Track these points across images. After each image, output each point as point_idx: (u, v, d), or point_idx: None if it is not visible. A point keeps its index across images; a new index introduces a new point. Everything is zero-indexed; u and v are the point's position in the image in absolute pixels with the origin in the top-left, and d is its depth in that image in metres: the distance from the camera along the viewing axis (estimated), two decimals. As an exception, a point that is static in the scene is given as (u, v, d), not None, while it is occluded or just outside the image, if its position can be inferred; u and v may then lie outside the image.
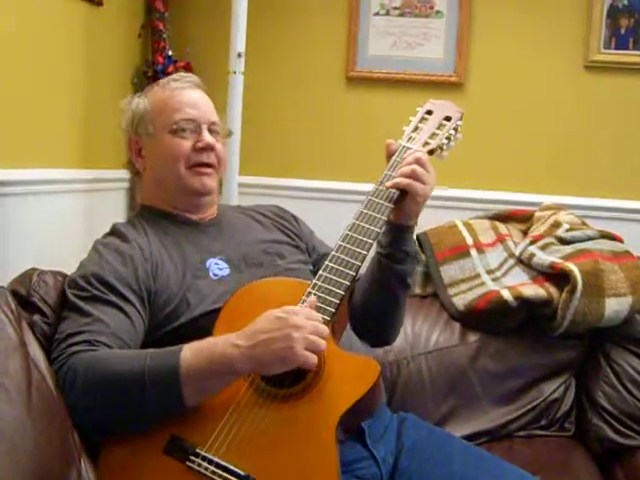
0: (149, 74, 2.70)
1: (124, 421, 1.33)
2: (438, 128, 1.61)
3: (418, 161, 1.52)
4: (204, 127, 1.65)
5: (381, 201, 1.52)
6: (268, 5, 2.79)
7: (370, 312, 1.64)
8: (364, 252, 1.47)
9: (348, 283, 1.43)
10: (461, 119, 1.64)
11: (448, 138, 1.61)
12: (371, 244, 1.48)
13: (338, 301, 1.41)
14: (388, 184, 1.52)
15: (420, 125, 1.63)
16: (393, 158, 1.58)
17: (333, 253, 1.47)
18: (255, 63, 2.62)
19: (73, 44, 2.28)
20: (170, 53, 2.72)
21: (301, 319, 1.30)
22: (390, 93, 2.80)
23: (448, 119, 1.63)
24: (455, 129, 1.62)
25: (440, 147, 1.60)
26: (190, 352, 1.31)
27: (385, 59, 2.79)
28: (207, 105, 1.69)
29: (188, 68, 2.70)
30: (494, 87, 2.77)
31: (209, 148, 1.65)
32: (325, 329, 1.33)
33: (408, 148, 1.58)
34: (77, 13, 2.29)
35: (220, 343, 1.32)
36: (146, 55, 2.75)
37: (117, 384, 1.32)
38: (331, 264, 1.46)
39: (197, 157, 1.64)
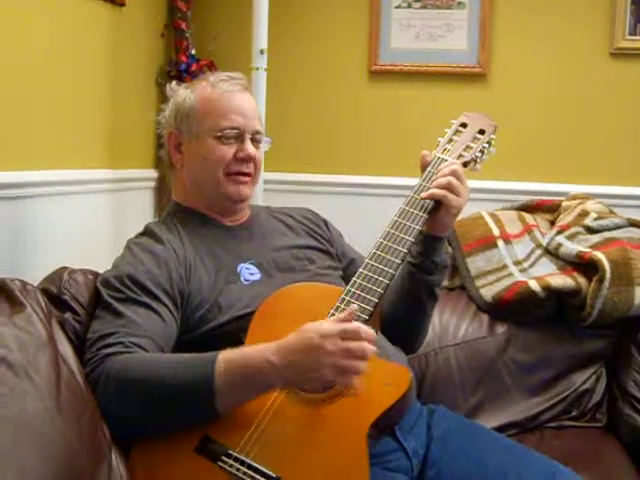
0: (173, 73, 2.71)
1: (155, 425, 1.34)
2: (472, 141, 1.63)
3: (454, 173, 1.53)
4: (247, 137, 1.65)
5: (415, 211, 1.53)
6: (289, 1, 2.79)
7: (396, 320, 1.65)
8: (398, 261, 1.48)
9: (382, 291, 1.44)
10: (494, 133, 1.65)
11: (482, 151, 1.63)
12: (405, 253, 1.49)
13: (372, 309, 1.42)
14: (423, 195, 1.53)
15: (455, 137, 1.65)
16: (428, 169, 1.59)
17: (367, 261, 1.48)
18: (278, 59, 2.63)
19: (97, 45, 2.30)
20: (193, 52, 2.74)
21: (334, 343, 1.27)
22: (413, 86, 2.79)
23: (482, 132, 1.65)
24: (489, 142, 1.64)
25: (474, 160, 1.62)
26: (225, 364, 1.31)
27: (408, 52, 2.78)
28: (253, 112, 1.68)
29: (211, 66, 2.72)
30: (518, 77, 2.75)
31: (249, 159, 1.65)
32: (359, 349, 1.29)
33: (443, 160, 1.59)
34: (100, 14, 2.31)
35: (256, 357, 1.31)
36: (169, 54, 2.77)
37: (151, 390, 1.32)
38: (365, 271, 1.46)
39: (237, 166, 1.64)
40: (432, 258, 1.60)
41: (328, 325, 1.30)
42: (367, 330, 1.30)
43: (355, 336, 1.28)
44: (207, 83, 1.68)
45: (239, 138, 1.64)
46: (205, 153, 1.64)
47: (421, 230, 1.54)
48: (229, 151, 1.63)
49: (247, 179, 1.66)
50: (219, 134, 1.63)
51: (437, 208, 1.54)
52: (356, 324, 1.30)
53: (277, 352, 1.30)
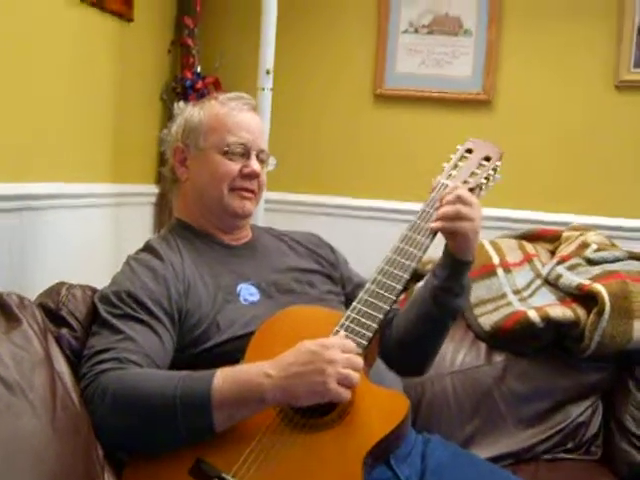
0: (178, 90, 2.72)
1: (151, 442, 1.33)
2: (478, 167, 1.62)
3: (460, 199, 1.51)
4: (253, 154, 1.66)
5: (419, 237, 1.52)
6: (297, 22, 2.80)
7: (413, 342, 1.64)
8: (399, 287, 1.47)
9: (382, 317, 1.43)
10: (500, 160, 1.64)
11: (487, 178, 1.62)
12: (407, 279, 1.48)
13: (371, 334, 1.41)
14: (433, 226, 1.52)
15: (460, 163, 1.63)
16: (432, 195, 1.58)
17: (368, 286, 1.47)
18: (284, 80, 2.63)
19: (104, 60, 2.31)
20: (199, 69, 2.74)
21: (335, 353, 1.30)
22: (418, 111, 2.80)
23: (488, 159, 1.63)
24: (494, 169, 1.63)
25: (479, 186, 1.60)
26: (222, 379, 1.31)
27: (413, 77, 2.79)
28: (260, 131, 1.71)
29: (217, 84, 2.73)
30: (522, 105, 2.76)
31: (254, 175, 1.66)
32: (360, 361, 1.32)
33: (447, 186, 1.58)
34: (108, 29, 2.32)
35: (252, 372, 1.31)
36: (175, 71, 2.77)
37: (147, 406, 1.31)
38: (366, 296, 1.46)
39: (241, 182, 1.65)
40: (459, 281, 1.59)
41: (327, 339, 1.34)
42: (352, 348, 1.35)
43: (352, 350, 1.33)
44: (216, 101, 1.71)
45: (245, 154, 1.65)
46: (211, 168, 1.65)
47: (447, 253, 1.56)
48: (234, 166, 1.64)
49: (251, 195, 1.67)
50: (225, 149, 1.64)
51: (454, 236, 1.53)
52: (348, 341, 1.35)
53: (275, 365, 1.30)
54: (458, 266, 1.58)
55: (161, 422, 1.31)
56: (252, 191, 1.67)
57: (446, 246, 1.57)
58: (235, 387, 1.30)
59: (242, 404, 1.31)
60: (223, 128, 1.66)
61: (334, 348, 1.31)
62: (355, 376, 1.30)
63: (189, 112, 1.72)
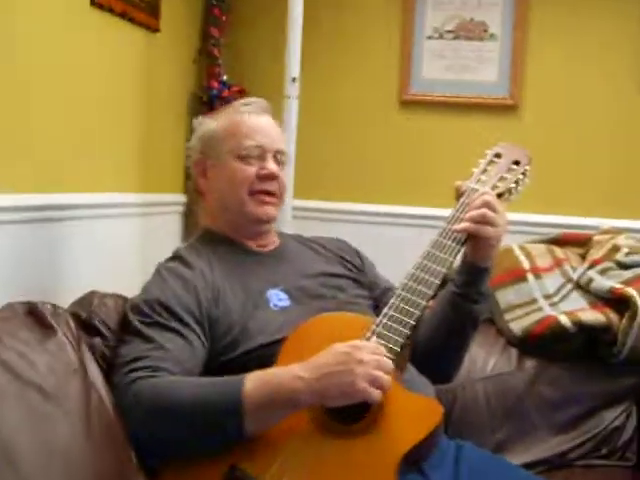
0: (204, 99, 2.73)
1: (185, 448, 1.34)
2: (507, 172, 1.62)
3: (487, 204, 1.52)
4: (269, 155, 1.67)
5: (449, 242, 1.52)
6: (322, 29, 2.81)
7: (436, 349, 1.64)
8: (430, 292, 1.47)
9: (414, 323, 1.43)
10: (530, 164, 1.63)
11: (516, 182, 1.61)
12: (437, 284, 1.48)
13: (403, 340, 1.40)
14: (458, 228, 1.52)
15: (489, 168, 1.63)
16: (461, 200, 1.57)
17: (399, 292, 1.47)
18: (310, 87, 2.64)
19: (132, 70, 2.33)
20: (225, 78, 2.76)
21: (365, 354, 1.30)
22: (445, 116, 2.80)
23: (517, 163, 1.63)
24: (524, 173, 1.62)
25: (509, 191, 1.60)
26: (252, 383, 1.31)
27: (439, 82, 2.79)
28: (276, 132, 1.71)
29: (243, 93, 2.73)
30: (549, 110, 2.75)
31: (272, 177, 1.66)
32: (389, 364, 1.32)
33: (477, 190, 1.57)
34: (135, 40, 2.34)
35: (284, 375, 1.32)
36: (201, 80, 2.79)
37: (180, 414, 1.32)
38: (397, 302, 1.45)
39: (260, 184, 1.66)
40: (478, 288, 1.59)
41: (358, 341, 1.35)
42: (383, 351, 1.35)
43: (382, 352, 1.33)
44: (229, 110, 1.74)
45: (261, 157, 1.66)
46: (229, 174, 1.66)
47: (465, 260, 1.55)
48: (251, 170, 1.65)
49: (272, 199, 1.67)
50: (241, 153, 1.65)
51: (476, 240, 1.53)
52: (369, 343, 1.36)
53: (306, 367, 1.31)
54: (476, 272, 1.58)
55: (194, 428, 1.32)
56: (273, 194, 1.67)
57: (465, 252, 1.57)
58: (266, 391, 1.30)
59: (274, 407, 1.31)
60: (237, 134, 1.67)
61: (365, 350, 1.31)
62: (385, 378, 1.30)
63: (206, 124, 1.74)
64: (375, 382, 1.29)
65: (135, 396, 1.35)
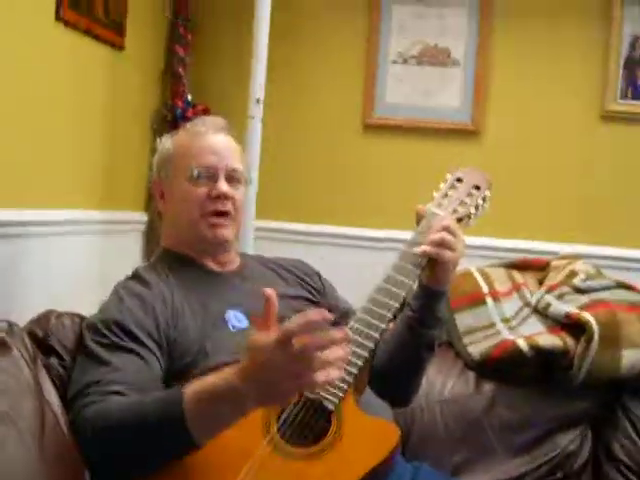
0: (168, 118, 2.73)
1: (137, 467, 1.32)
2: (467, 197, 1.63)
3: (447, 229, 1.53)
4: (221, 175, 1.65)
5: (409, 265, 1.53)
6: (288, 51, 2.82)
7: (394, 373, 1.64)
8: (389, 315, 1.47)
9: (372, 345, 1.43)
10: (490, 189, 1.65)
11: (476, 207, 1.63)
12: (397, 308, 1.49)
13: (361, 363, 1.40)
14: (417, 251, 1.53)
15: (450, 192, 1.64)
16: (422, 223, 1.59)
17: (359, 315, 1.48)
18: (274, 109, 2.65)
19: (95, 87, 2.32)
20: (189, 97, 2.76)
21: (278, 354, 1.16)
22: (407, 140, 2.82)
23: (477, 188, 1.65)
24: (484, 199, 1.64)
25: (468, 216, 1.62)
26: (191, 388, 1.27)
27: (402, 107, 2.82)
28: (228, 151, 1.69)
29: (207, 112, 2.73)
30: (511, 136, 2.79)
31: (224, 197, 1.64)
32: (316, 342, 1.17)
33: (437, 214, 1.59)
34: (100, 57, 2.33)
35: (218, 378, 1.25)
36: (166, 99, 2.79)
37: (127, 435, 1.30)
38: (357, 325, 1.46)
39: (212, 205, 1.64)
40: (433, 312, 1.60)
41: (266, 337, 1.19)
42: (306, 321, 1.16)
43: (292, 335, 1.15)
44: (183, 130, 1.73)
45: (212, 177, 1.64)
46: (181, 196, 1.65)
47: (421, 284, 1.56)
48: (201, 191, 1.63)
49: (225, 221, 1.65)
50: (191, 174, 1.64)
51: (434, 264, 1.54)
52: (288, 324, 1.17)
53: (237, 374, 1.22)
54: (432, 296, 1.59)
55: (142, 447, 1.29)
56: (226, 213, 1.65)
57: (421, 277, 1.57)
58: (205, 392, 1.25)
59: (216, 407, 1.25)
60: (188, 155, 1.65)
61: (275, 348, 1.16)
62: (307, 367, 1.15)
63: (162, 145, 1.73)
64: (300, 376, 1.16)
65: (85, 421, 1.34)
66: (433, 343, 1.64)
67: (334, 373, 1.18)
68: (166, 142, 1.73)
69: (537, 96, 2.77)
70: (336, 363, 1.18)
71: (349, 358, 1.39)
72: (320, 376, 1.16)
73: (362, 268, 1.83)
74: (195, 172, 1.64)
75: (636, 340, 2.05)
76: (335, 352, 1.17)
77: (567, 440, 2.08)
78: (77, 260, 2.23)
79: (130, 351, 1.45)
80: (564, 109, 2.76)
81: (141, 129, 2.69)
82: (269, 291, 1.24)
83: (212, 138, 1.68)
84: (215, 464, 1.31)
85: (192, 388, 1.28)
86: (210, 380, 1.27)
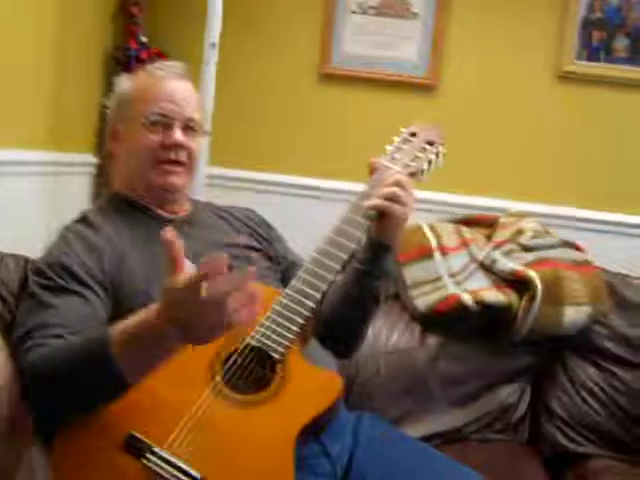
0: (121, 59, 2.66)
1: (75, 409, 1.32)
2: (421, 151, 1.63)
3: (398, 183, 1.53)
4: (177, 124, 1.62)
5: (358, 218, 1.53)
6: (245, -4, 2.77)
7: (339, 324, 1.65)
8: (337, 267, 1.47)
9: (319, 296, 1.44)
10: (444, 145, 1.65)
11: (429, 162, 1.62)
12: (345, 259, 1.49)
13: (308, 313, 1.41)
14: (367, 204, 1.52)
15: (403, 146, 1.63)
16: (373, 177, 1.58)
17: (307, 265, 1.48)
18: (229, 53, 2.61)
19: (42, 23, 2.25)
20: (143, 39, 2.69)
21: (189, 298, 1.17)
22: (363, 92, 2.80)
23: (431, 143, 1.64)
24: (437, 154, 1.64)
25: (421, 171, 1.61)
26: (116, 327, 1.27)
27: (360, 58, 2.79)
28: (187, 99, 1.65)
29: (161, 56, 2.68)
30: (467, 91, 2.79)
31: (178, 146, 1.62)
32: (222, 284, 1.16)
33: (389, 168, 1.58)
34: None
35: (143, 319, 1.24)
36: (118, 40, 2.72)
37: (59, 376, 1.29)
38: (304, 275, 1.46)
39: (164, 154, 1.61)
40: (381, 265, 1.60)
41: (175, 280, 1.19)
42: (221, 260, 1.17)
43: (205, 277, 1.15)
44: (142, 72, 1.68)
45: (168, 125, 1.62)
46: (134, 141, 1.63)
47: (370, 237, 1.56)
48: (155, 139, 1.61)
49: (178, 168, 1.63)
50: (145, 121, 1.61)
51: (383, 217, 1.54)
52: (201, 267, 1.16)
53: (157, 310, 1.21)
54: (380, 250, 1.59)
55: (77, 389, 1.29)
56: (179, 163, 1.63)
57: (370, 229, 1.57)
58: (130, 335, 1.24)
59: (145, 352, 1.25)
60: (145, 100, 1.62)
61: (185, 290, 1.17)
62: (216, 312, 1.15)
63: (121, 85, 1.69)
64: (213, 324, 1.17)
65: (27, 365, 1.33)
66: (379, 295, 1.65)
67: (245, 314, 1.16)
68: (124, 83, 1.69)
69: (495, 53, 2.77)
70: (246, 304, 1.17)
71: (296, 308, 1.40)
72: (233, 316, 1.16)
73: (314, 219, 1.81)
74: (150, 118, 1.61)
75: (578, 298, 2.10)
76: (242, 295, 1.16)
77: (506, 393, 2.14)
78: (23, 202, 2.19)
79: (74, 293, 1.44)
80: (521, 68, 2.76)
81: (92, 69, 2.62)
82: (168, 234, 1.23)
83: (171, 84, 1.64)
84: (159, 409, 1.31)
85: (117, 328, 1.28)
86: (132, 320, 1.26)
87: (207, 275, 1.16)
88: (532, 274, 2.08)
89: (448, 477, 1.54)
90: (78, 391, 1.30)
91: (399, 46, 2.79)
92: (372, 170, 1.60)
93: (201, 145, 1.72)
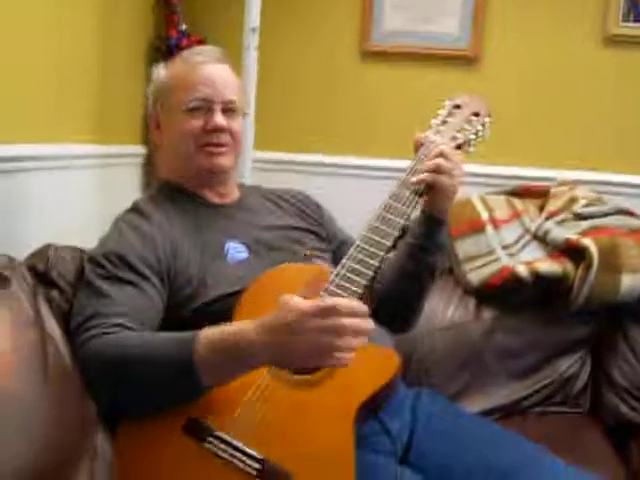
0: (162, 49, 2.68)
1: (142, 405, 1.33)
2: (466, 123, 1.62)
3: (442, 155, 1.52)
4: (217, 107, 1.63)
5: (407, 193, 1.52)
6: (283, -22, 2.76)
7: (395, 300, 1.65)
8: (388, 244, 1.46)
9: (372, 273, 1.43)
10: (489, 115, 1.64)
11: (475, 134, 1.61)
12: (396, 236, 1.48)
13: (361, 291, 1.40)
14: (414, 180, 1.52)
15: (448, 119, 1.63)
16: (420, 151, 1.57)
17: (358, 243, 1.47)
18: (270, 38, 2.61)
19: (85, 17, 2.27)
20: (184, 27, 2.70)
21: (311, 322, 1.20)
22: (405, 67, 2.78)
23: (476, 115, 1.63)
24: (483, 125, 1.63)
25: (467, 142, 1.60)
26: (205, 340, 1.27)
27: (400, 33, 2.76)
28: (225, 82, 1.66)
29: (202, 43, 2.69)
30: (510, 61, 2.74)
31: (219, 130, 1.63)
32: (369, 325, 1.23)
33: (434, 141, 1.57)
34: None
35: (236, 334, 1.26)
36: (160, 29, 2.73)
37: (134, 369, 1.31)
38: (355, 254, 1.45)
39: (207, 138, 1.63)
40: (435, 239, 1.59)
41: (306, 304, 1.21)
42: (352, 306, 1.21)
43: (335, 313, 1.19)
44: (179, 59, 1.69)
45: (208, 109, 1.63)
46: (176, 128, 1.64)
47: (423, 211, 1.56)
48: (197, 123, 1.62)
49: (222, 149, 1.64)
50: (186, 106, 1.62)
51: (432, 191, 1.53)
52: (336, 300, 1.22)
53: (256, 330, 1.24)
54: (433, 224, 1.58)
55: (149, 386, 1.31)
56: (222, 145, 1.64)
57: (422, 204, 1.57)
58: (218, 351, 1.26)
59: (227, 366, 1.28)
60: (183, 86, 1.63)
61: (310, 316, 1.19)
62: (333, 343, 1.19)
63: (157, 74, 1.70)
64: (324, 350, 1.20)
65: (90, 353, 1.34)
66: (434, 270, 1.64)
67: (347, 356, 1.20)
68: (161, 72, 1.70)
69: (538, 21, 2.71)
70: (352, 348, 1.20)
71: (348, 286, 1.40)
72: (338, 356, 1.19)
73: (361, 198, 1.81)
74: (190, 104, 1.62)
75: (635, 265, 2.06)
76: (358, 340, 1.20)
77: (566, 365, 2.12)
78: (75, 195, 2.22)
79: (130, 283, 1.45)
80: (565, 34, 2.70)
81: (135, 61, 2.64)
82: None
83: (208, 68, 1.65)
84: (218, 393, 1.32)
85: (207, 332, 1.29)
86: (226, 328, 1.29)
87: (345, 313, 1.19)
88: (587, 242, 2.05)
89: (510, 451, 1.52)
90: (147, 385, 1.31)
91: (439, 19, 2.76)
92: (417, 145, 1.59)
93: (243, 126, 1.73)
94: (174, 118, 1.65)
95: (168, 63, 1.73)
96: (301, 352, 1.21)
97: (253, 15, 2.44)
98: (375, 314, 1.58)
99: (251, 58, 2.44)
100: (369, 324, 1.22)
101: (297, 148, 2.82)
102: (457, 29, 2.74)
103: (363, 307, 1.22)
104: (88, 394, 1.35)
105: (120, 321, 1.39)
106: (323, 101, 2.83)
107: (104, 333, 1.36)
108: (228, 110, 1.65)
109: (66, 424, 1.25)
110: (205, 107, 1.63)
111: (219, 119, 1.63)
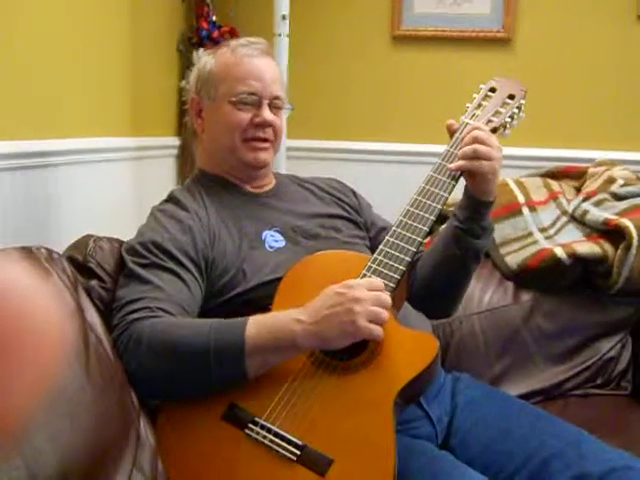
0: (194, 40, 2.69)
1: (184, 389, 1.36)
2: (502, 106, 1.60)
3: (477, 139, 1.50)
4: (265, 102, 1.63)
5: (443, 178, 1.51)
6: (312, -35, 2.75)
7: (438, 285, 1.64)
8: (425, 229, 1.47)
9: (409, 259, 1.43)
10: (525, 97, 1.62)
11: (512, 116, 1.60)
12: (432, 221, 1.48)
13: (399, 277, 1.41)
14: (452, 166, 1.51)
15: (483, 103, 1.62)
16: (455, 135, 1.56)
17: (394, 228, 1.47)
18: (300, 25, 2.60)
19: (118, 11, 2.29)
20: (214, 18, 2.71)
21: (362, 291, 1.31)
22: (437, 51, 2.76)
23: (512, 97, 1.62)
24: (519, 107, 1.61)
25: (504, 125, 1.59)
26: (254, 327, 1.32)
27: (431, 16, 2.74)
28: (274, 78, 1.66)
29: (233, 33, 2.69)
30: (543, 42, 2.71)
31: (266, 124, 1.63)
32: (387, 298, 1.33)
33: (470, 125, 1.56)
34: (121, -20, 2.29)
35: (283, 319, 1.33)
36: (190, 21, 2.74)
37: (180, 354, 1.33)
38: (392, 239, 1.45)
39: (254, 132, 1.63)
40: (480, 222, 1.57)
41: (352, 280, 1.35)
42: (366, 281, 1.36)
43: (350, 287, 1.32)
44: (227, 48, 1.68)
45: (256, 103, 1.63)
46: (222, 119, 1.64)
47: (467, 195, 1.55)
48: (245, 116, 1.62)
49: (265, 144, 1.65)
50: (235, 99, 1.62)
51: (472, 175, 1.52)
52: (350, 280, 1.35)
53: (305, 310, 1.32)
54: (477, 207, 1.56)
55: (194, 370, 1.33)
56: (266, 140, 1.65)
57: (466, 187, 1.56)
58: (267, 334, 1.31)
59: (275, 351, 1.32)
60: (233, 77, 1.63)
61: (360, 287, 1.31)
62: (384, 312, 1.30)
63: (203, 61, 1.70)
64: (374, 318, 1.29)
65: (134, 337, 1.36)
66: (480, 253, 1.62)
67: (374, 327, 1.30)
68: (207, 59, 1.69)
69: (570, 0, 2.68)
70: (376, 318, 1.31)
71: (386, 272, 1.40)
72: (376, 329, 1.30)
73: (396, 184, 1.80)
74: (240, 96, 1.62)
75: (676, 245, 2.02)
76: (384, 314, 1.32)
77: (607, 347, 2.09)
78: (112, 187, 2.24)
79: (169, 270, 1.47)
80: (598, 12, 2.66)
81: (167, 53, 2.65)
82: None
83: (258, 62, 1.65)
84: (259, 380, 1.34)
85: (255, 318, 1.33)
86: (273, 313, 1.36)
87: (351, 286, 1.33)
88: (627, 223, 2.02)
89: (551, 435, 1.51)
90: (190, 372, 1.33)
91: (471, 1, 2.73)
92: (452, 130, 1.58)
93: (284, 121, 1.73)
94: (220, 108, 1.64)
95: (214, 51, 1.72)
96: (333, 327, 1.30)
97: (283, 3, 2.43)
98: (414, 299, 1.59)
99: (282, 46, 2.44)
100: (386, 297, 1.32)
101: (331, 135, 2.81)
102: (489, 10, 2.71)
103: (377, 281, 1.36)
104: (129, 381, 1.36)
105: (163, 306, 1.41)
106: (355, 87, 2.82)
107: (150, 316, 1.38)
108: (274, 106, 1.66)
109: (109, 413, 1.26)
110: (253, 101, 1.63)
111: (268, 115, 1.63)
